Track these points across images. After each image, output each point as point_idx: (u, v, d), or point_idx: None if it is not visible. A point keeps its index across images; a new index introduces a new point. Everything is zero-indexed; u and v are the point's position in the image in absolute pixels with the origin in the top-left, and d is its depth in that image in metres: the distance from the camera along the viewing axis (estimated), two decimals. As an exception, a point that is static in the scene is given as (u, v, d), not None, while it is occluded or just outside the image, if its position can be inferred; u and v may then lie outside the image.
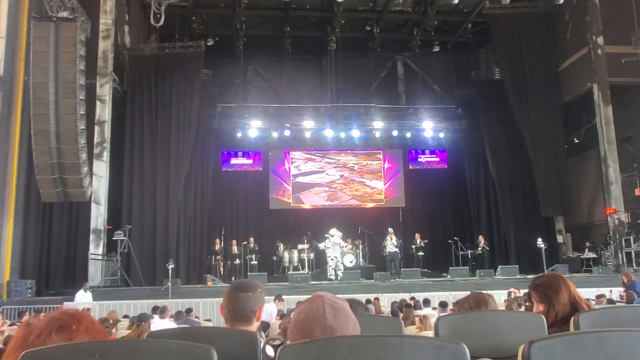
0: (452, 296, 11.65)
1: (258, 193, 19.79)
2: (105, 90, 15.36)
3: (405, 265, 16.76)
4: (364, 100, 20.05)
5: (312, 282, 14.23)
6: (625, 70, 16.51)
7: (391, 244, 16.12)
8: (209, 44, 18.40)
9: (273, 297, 10.08)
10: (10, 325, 8.82)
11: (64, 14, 13.18)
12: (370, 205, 20.35)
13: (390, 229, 16.61)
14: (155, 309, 8.57)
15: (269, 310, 9.28)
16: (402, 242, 17.39)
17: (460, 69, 20.61)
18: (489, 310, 2.49)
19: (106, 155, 15.14)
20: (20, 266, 14.68)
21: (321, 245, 16.16)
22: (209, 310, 12.25)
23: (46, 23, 13.06)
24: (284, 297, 11.51)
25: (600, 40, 16.99)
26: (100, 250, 14.59)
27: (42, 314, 9.33)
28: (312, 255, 17.23)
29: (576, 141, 19.66)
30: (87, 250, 14.47)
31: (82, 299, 12.44)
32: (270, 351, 1.90)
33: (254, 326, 2.24)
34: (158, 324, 6.94)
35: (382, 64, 21.51)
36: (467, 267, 15.74)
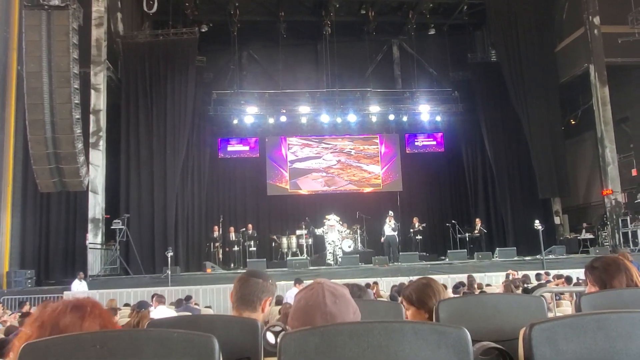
0: (450, 279, 11.72)
1: (255, 179, 19.77)
2: (99, 78, 15.26)
3: (403, 249, 16.82)
4: (359, 85, 19.96)
5: (311, 267, 14.29)
6: (621, 50, 16.46)
7: (389, 226, 16.16)
8: (203, 30, 18.21)
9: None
10: (11, 314, 8.86)
11: (56, 2, 13.00)
12: (367, 190, 20.37)
13: (390, 212, 16.66)
14: (159, 298, 8.60)
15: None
16: (400, 226, 17.44)
17: (456, 52, 20.49)
18: (491, 293, 2.50)
19: (102, 144, 15.09)
20: (20, 256, 14.71)
21: (318, 231, 16.19)
22: (208, 297, 12.33)
23: (38, 11, 12.89)
24: (283, 282, 11.61)
25: (596, 20, 16.91)
26: (99, 240, 14.60)
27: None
28: (310, 241, 17.28)
29: (573, 122, 19.66)
30: (86, 239, 14.48)
31: (78, 288, 12.50)
32: (271, 338, 1.91)
33: (259, 315, 2.25)
34: (158, 311, 6.96)
35: (377, 48, 21.38)
36: (465, 250, 15.80)
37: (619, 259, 2.29)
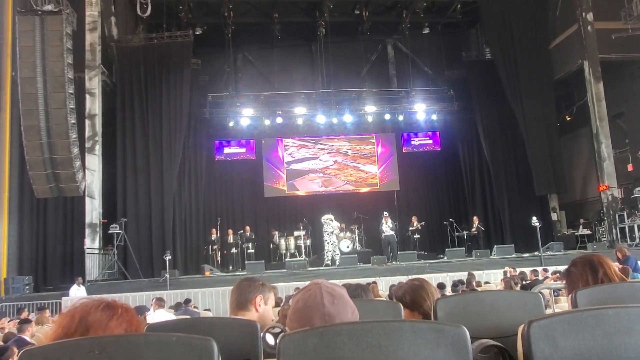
0: (449, 277, 11.74)
1: (252, 181, 19.76)
2: (94, 83, 15.22)
3: (401, 248, 16.84)
4: (355, 85, 19.98)
5: (310, 268, 14.28)
6: (615, 46, 16.53)
7: (387, 227, 16.16)
8: (197, 33, 18.20)
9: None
10: (10, 321, 8.81)
11: (49, 7, 13.00)
12: (365, 189, 20.37)
13: (385, 212, 16.65)
14: (159, 300, 8.58)
15: None
16: (398, 225, 17.48)
17: (450, 50, 20.52)
18: (487, 290, 2.51)
19: (98, 148, 15.05)
20: (17, 263, 14.64)
21: (326, 235, 15.84)
22: (207, 300, 12.31)
23: (31, 17, 12.88)
24: (282, 284, 11.60)
25: (589, 16, 16.96)
26: (96, 244, 14.56)
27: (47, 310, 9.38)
28: (308, 242, 17.30)
29: (568, 119, 19.74)
30: (83, 244, 14.44)
31: (77, 293, 12.45)
32: (270, 339, 1.91)
33: (253, 314, 2.33)
34: (157, 315, 6.95)
35: (372, 48, 21.41)
36: (463, 248, 15.80)
37: (591, 258, 2.30)
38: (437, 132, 20.59)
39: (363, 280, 11.31)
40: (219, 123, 18.93)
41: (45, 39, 12.87)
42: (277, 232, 17.77)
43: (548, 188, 17.94)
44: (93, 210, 14.72)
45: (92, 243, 14.46)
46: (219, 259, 16.84)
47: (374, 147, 20.56)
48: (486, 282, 10.98)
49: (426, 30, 20.34)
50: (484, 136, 18.81)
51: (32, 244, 15.39)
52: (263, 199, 19.70)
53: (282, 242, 17.42)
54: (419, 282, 2.58)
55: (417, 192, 20.52)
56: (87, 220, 14.63)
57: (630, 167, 17.62)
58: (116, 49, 16.74)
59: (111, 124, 16.23)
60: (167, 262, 13.08)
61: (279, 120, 18.85)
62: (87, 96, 15.04)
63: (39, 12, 12.89)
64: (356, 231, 17.43)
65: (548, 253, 14.51)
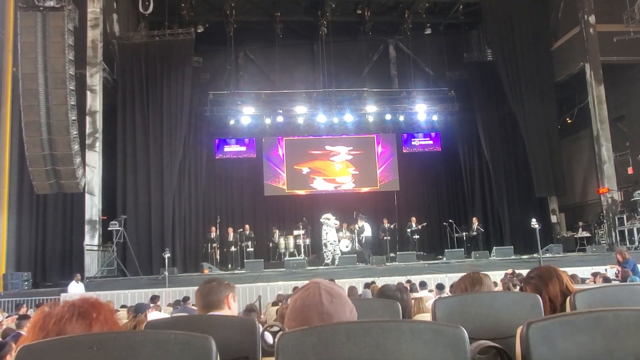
0: (447, 278, 11.73)
1: (252, 180, 19.75)
2: (95, 80, 15.21)
3: (400, 248, 16.85)
4: (356, 85, 19.96)
5: (309, 268, 14.27)
6: (617, 48, 16.52)
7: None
8: (199, 30, 18.19)
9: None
10: (8, 317, 8.82)
11: (51, 3, 12.98)
12: (365, 189, 20.36)
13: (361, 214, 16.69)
14: (153, 299, 8.59)
15: None
16: (398, 226, 17.53)
17: (452, 51, 20.51)
18: (485, 291, 2.51)
19: (99, 145, 15.05)
20: (16, 259, 14.66)
21: (324, 235, 15.87)
22: (206, 298, 12.28)
23: (33, 13, 12.87)
24: (280, 283, 11.62)
25: (591, 19, 16.96)
26: (95, 241, 14.55)
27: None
28: (307, 241, 17.31)
29: (569, 121, 19.73)
30: (83, 241, 14.44)
31: (75, 290, 12.45)
32: (269, 338, 1.91)
33: (226, 312, 2.45)
34: (155, 314, 6.94)
35: (373, 48, 21.39)
36: (462, 249, 15.79)
37: (551, 267, 2.47)
38: (438, 133, 20.58)
39: (362, 280, 11.34)
40: (219, 121, 18.91)
41: (47, 35, 12.86)
42: (277, 231, 17.77)
43: (548, 190, 17.93)
44: (93, 206, 14.72)
45: (91, 240, 14.46)
46: (218, 257, 16.83)
47: (374, 147, 20.54)
48: (485, 284, 10.97)
49: (428, 31, 20.33)
50: (484, 137, 18.80)
51: (32, 240, 15.41)
52: (263, 198, 19.69)
53: (282, 241, 17.42)
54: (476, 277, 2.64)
55: (417, 192, 20.52)
56: (87, 216, 14.62)
57: (630, 170, 17.62)
58: (118, 45, 16.73)
59: (112, 121, 16.22)
60: (166, 260, 13.06)
61: (280, 119, 18.85)
62: (88, 93, 15.03)
63: (41, 8, 12.87)
64: (356, 231, 17.42)
65: (547, 255, 14.51)
